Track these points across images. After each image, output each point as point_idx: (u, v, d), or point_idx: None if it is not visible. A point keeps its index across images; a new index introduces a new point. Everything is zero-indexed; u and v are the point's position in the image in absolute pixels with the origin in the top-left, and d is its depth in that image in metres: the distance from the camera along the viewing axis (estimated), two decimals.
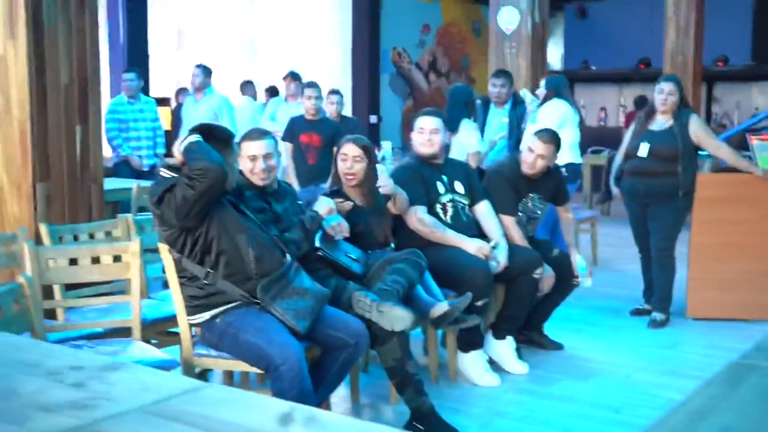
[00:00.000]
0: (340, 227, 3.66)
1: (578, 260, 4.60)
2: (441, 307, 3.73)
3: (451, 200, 4.36)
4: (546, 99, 6.02)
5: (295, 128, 6.88)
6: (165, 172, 3.13)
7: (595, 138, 11.98)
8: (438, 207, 4.32)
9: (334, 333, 3.31)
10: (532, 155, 4.51)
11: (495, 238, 4.34)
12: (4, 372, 1.82)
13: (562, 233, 5.08)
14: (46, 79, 3.82)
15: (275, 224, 3.46)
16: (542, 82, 6.31)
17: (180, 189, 2.98)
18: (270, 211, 3.51)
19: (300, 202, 3.75)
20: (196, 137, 3.10)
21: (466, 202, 4.43)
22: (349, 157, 3.95)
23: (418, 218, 4.21)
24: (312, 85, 7.01)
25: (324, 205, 3.61)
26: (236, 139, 3.43)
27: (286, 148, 6.84)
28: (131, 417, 1.57)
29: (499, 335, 4.38)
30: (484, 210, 4.46)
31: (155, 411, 1.60)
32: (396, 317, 3.39)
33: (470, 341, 4.22)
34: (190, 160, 3.03)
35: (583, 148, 10.59)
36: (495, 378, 4.19)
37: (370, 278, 3.73)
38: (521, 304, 4.38)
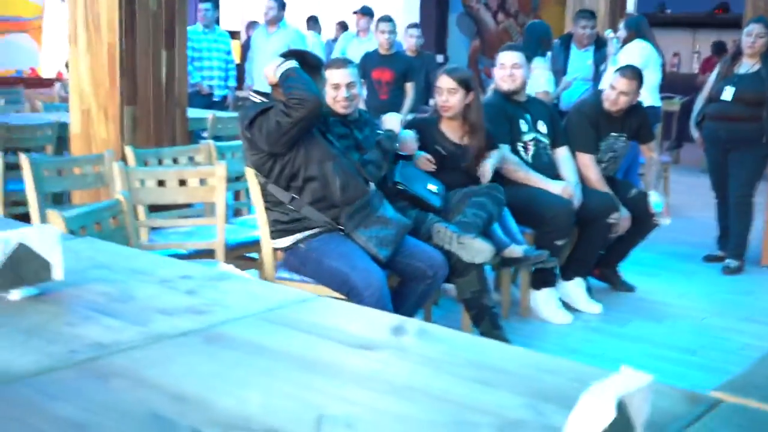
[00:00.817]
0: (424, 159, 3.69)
1: (655, 198, 4.52)
2: (516, 251, 3.73)
3: (534, 139, 4.32)
4: (627, 40, 5.88)
5: (367, 64, 6.85)
6: (255, 97, 3.16)
7: (667, 84, 11.63)
8: (519, 145, 4.28)
9: (414, 263, 3.34)
10: (614, 92, 4.45)
11: (569, 180, 4.30)
12: (119, 278, 1.88)
13: (636, 172, 4.97)
14: (135, 3, 3.85)
15: (357, 150, 3.48)
16: (621, 24, 6.15)
17: (274, 115, 3.00)
18: (352, 137, 3.52)
19: (380, 131, 3.75)
20: (293, 63, 3.11)
21: (547, 141, 4.38)
22: (443, 89, 3.91)
23: (504, 157, 4.17)
24: (387, 19, 6.96)
25: (393, 120, 3.60)
26: None
27: None
28: (248, 322, 1.62)
29: (568, 276, 4.37)
30: (563, 154, 4.41)
31: (270, 318, 1.64)
32: (477, 249, 3.40)
33: (543, 279, 4.22)
34: (288, 89, 3.04)
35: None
36: (568, 316, 4.19)
37: (451, 210, 3.74)
38: (592, 248, 4.36)
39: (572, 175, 4.35)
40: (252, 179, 3.25)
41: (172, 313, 1.65)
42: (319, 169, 3.16)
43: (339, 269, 3.09)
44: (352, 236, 3.18)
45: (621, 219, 4.35)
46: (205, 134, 5.52)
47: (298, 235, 3.23)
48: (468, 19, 13.06)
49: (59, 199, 4.54)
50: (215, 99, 7.67)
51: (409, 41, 7.49)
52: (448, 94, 3.91)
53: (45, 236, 1.75)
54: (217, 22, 7.85)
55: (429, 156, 3.80)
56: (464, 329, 3.89)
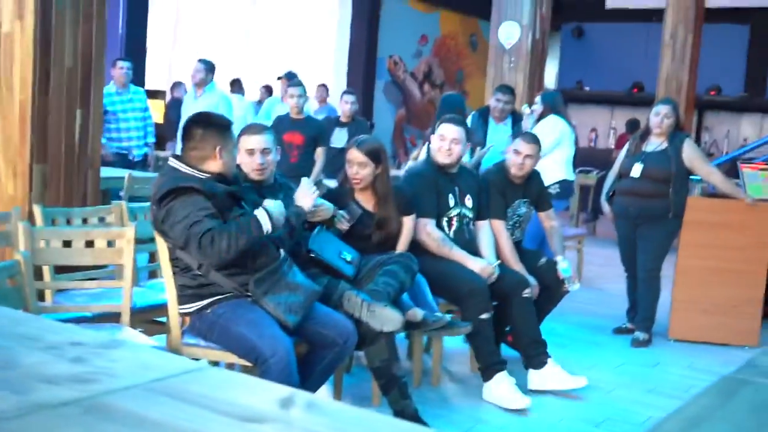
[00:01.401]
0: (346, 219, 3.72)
1: (563, 264, 4.60)
2: (416, 314, 3.73)
3: (458, 214, 4.34)
4: (542, 115, 6.06)
5: (279, 127, 6.89)
6: (174, 162, 3.18)
7: (584, 158, 12.02)
8: (444, 220, 4.31)
9: (323, 330, 3.32)
10: (520, 156, 4.53)
11: (487, 257, 4.33)
12: (4, 344, 1.82)
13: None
14: (50, 60, 3.82)
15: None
16: (537, 98, 6.35)
17: (230, 239, 3.03)
18: None
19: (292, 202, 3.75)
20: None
21: (471, 216, 4.41)
22: (354, 163, 3.96)
23: (428, 232, 4.20)
24: (296, 83, 7.02)
25: (305, 197, 3.52)
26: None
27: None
28: (133, 393, 1.58)
29: (536, 363, 4.26)
30: (484, 228, 4.46)
31: (157, 388, 1.61)
32: (386, 318, 3.41)
33: (491, 367, 4.07)
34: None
35: (573, 167, 10.77)
36: (525, 399, 3.97)
37: (362, 279, 3.75)
38: (528, 322, 4.30)
39: (491, 252, 4.38)
40: (161, 243, 3.21)
41: (55, 382, 1.60)
42: None
43: (245, 336, 3.06)
44: (260, 302, 3.16)
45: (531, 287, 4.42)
46: (121, 194, 5.44)
47: (206, 301, 3.19)
48: (394, 87, 13.31)
49: None
50: (135, 159, 7.57)
51: (344, 107, 7.58)
52: (358, 167, 3.95)
53: None
54: (139, 82, 7.77)
55: (345, 215, 3.81)
56: (375, 398, 3.88)
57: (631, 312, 5.60)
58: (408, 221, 4.11)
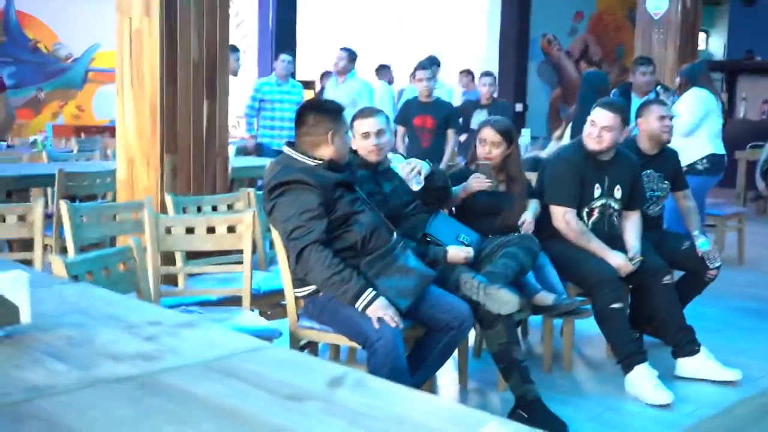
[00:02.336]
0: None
1: (700, 239, 4.30)
2: (546, 298, 3.63)
3: (602, 205, 4.14)
4: (682, 89, 5.71)
5: (408, 111, 6.86)
6: (291, 152, 3.22)
7: (756, 132, 11.30)
8: (585, 210, 4.13)
9: (438, 314, 3.28)
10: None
11: (633, 247, 4.11)
12: (89, 323, 1.91)
13: (703, 226, 4.75)
14: (176, 54, 3.98)
15: (385, 205, 3.48)
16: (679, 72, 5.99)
17: (317, 266, 3.06)
18: (380, 194, 3.53)
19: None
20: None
21: (618, 207, 4.17)
22: (487, 141, 3.94)
23: (567, 220, 4.05)
24: (423, 66, 6.95)
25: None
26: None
27: (397, 131, 6.84)
28: (189, 370, 1.62)
29: (687, 352, 4.05)
30: (632, 217, 4.23)
31: (214, 366, 1.64)
32: (503, 300, 3.32)
33: (631, 359, 3.85)
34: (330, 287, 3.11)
35: (743, 143, 10.11)
36: (667, 393, 3.73)
37: (482, 261, 3.67)
38: (673, 310, 4.07)
39: (636, 243, 4.14)
40: (274, 229, 3.27)
41: (121, 359, 1.67)
42: (341, 225, 3.15)
43: (353, 319, 3.06)
44: (372, 285, 3.15)
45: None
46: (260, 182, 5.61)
47: None
48: (549, 67, 13.00)
49: (113, 244, 4.67)
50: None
51: (482, 89, 7.51)
52: (491, 146, 3.95)
53: (14, 281, 1.80)
54: (293, 74, 8.05)
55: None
56: (500, 383, 3.80)
57: None
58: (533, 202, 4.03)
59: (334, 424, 1.35)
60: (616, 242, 4.14)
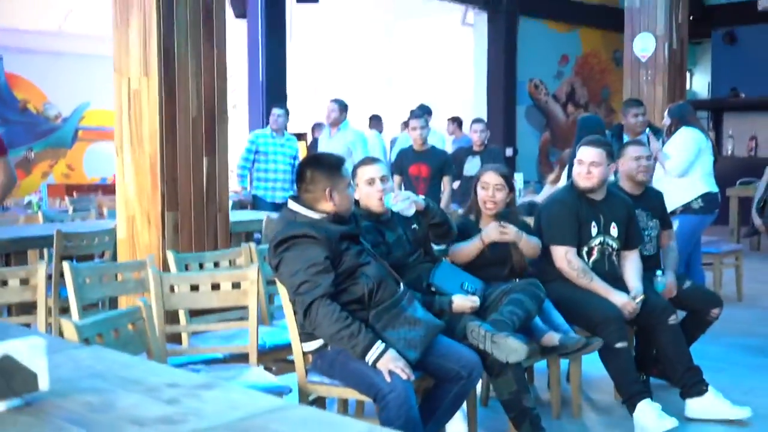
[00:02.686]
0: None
1: (660, 279, 4.28)
2: (552, 338, 3.63)
3: (600, 243, 4.15)
4: (671, 129, 5.77)
5: (404, 160, 6.90)
6: (294, 206, 3.22)
7: (744, 169, 11.40)
8: (584, 249, 4.14)
9: (446, 364, 3.26)
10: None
11: (635, 287, 4.11)
12: (108, 387, 1.89)
13: (699, 262, 4.76)
14: (175, 112, 4.00)
15: (388, 255, 3.48)
16: (666, 113, 6.06)
17: (324, 320, 3.05)
18: (384, 244, 3.54)
19: (414, 226, 3.73)
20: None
21: (616, 246, 4.18)
22: (490, 185, 3.94)
23: (568, 260, 4.06)
24: (417, 115, 7.01)
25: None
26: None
27: (393, 180, 6.86)
28: None
29: (695, 392, 4.04)
30: (631, 257, 4.23)
31: (240, 427, 1.62)
32: (510, 348, 3.31)
33: (634, 396, 3.87)
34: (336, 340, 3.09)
35: (732, 179, 10.21)
36: (670, 420, 3.77)
37: (487, 308, 3.66)
38: (679, 350, 4.07)
39: (638, 283, 4.14)
40: (280, 284, 3.26)
41: (145, 424, 1.65)
42: (348, 279, 3.14)
43: (364, 372, 3.04)
44: (380, 337, 3.14)
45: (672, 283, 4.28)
46: (257, 236, 5.61)
47: None
48: (537, 111, 13.12)
49: (113, 305, 4.64)
50: (279, 201, 7.82)
51: (473, 136, 7.57)
52: (495, 190, 3.95)
53: (31, 347, 1.78)
54: (285, 127, 8.10)
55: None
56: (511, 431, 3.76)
57: None
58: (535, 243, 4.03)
59: None
60: (618, 283, 4.14)
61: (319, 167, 3.23)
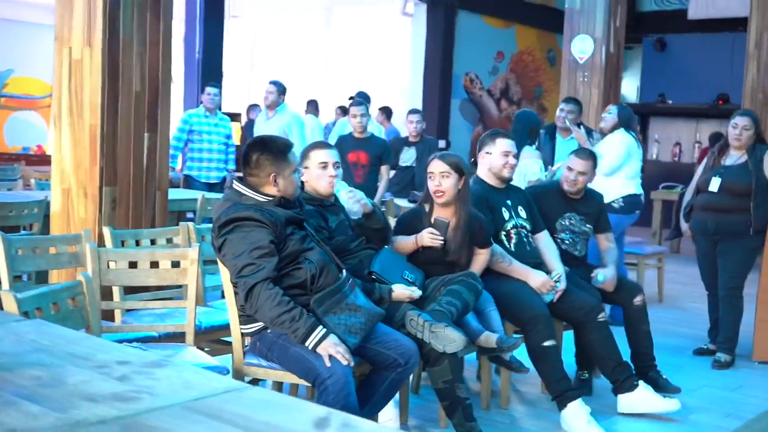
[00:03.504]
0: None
1: (600, 274, 4.44)
2: (489, 339, 3.68)
3: (515, 226, 4.28)
4: (614, 128, 5.90)
5: (343, 147, 6.88)
6: (239, 187, 3.19)
7: (668, 173, 11.75)
8: (503, 234, 4.24)
9: (384, 351, 3.29)
10: (572, 173, 4.53)
11: (555, 269, 4.24)
12: (55, 362, 1.86)
13: (621, 264, 4.87)
14: (118, 85, 3.92)
15: (330, 240, 3.48)
16: (611, 108, 6.17)
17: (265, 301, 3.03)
18: (326, 229, 3.54)
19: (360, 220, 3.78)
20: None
21: (529, 227, 4.35)
22: (436, 174, 3.90)
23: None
24: (357, 102, 7.03)
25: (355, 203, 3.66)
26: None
27: None
28: (171, 411, 1.59)
29: (626, 387, 4.14)
30: (543, 239, 4.39)
31: (195, 407, 1.61)
32: (449, 339, 3.35)
33: (564, 394, 3.92)
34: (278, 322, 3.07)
35: (656, 183, 10.50)
36: (599, 430, 3.79)
37: (426, 298, 3.70)
38: (609, 347, 4.17)
39: (557, 262, 4.29)
40: (222, 265, 3.24)
41: (97, 400, 1.62)
42: (290, 263, 3.14)
43: (303, 356, 3.04)
44: (321, 323, 3.14)
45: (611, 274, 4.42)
46: (189, 215, 5.54)
47: None
48: (471, 105, 13.25)
49: (44, 278, 4.52)
50: (213, 181, 7.74)
51: (409, 127, 7.60)
52: (441, 178, 3.88)
53: None
54: (219, 107, 7.99)
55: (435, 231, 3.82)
56: (441, 420, 3.82)
57: (712, 332, 5.39)
58: (485, 253, 4.05)
59: None
60: (541, 268, 4.25)
61: (265, 152, 3.21)
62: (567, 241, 4.56)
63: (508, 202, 4.32)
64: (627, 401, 4.12)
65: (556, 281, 4.14)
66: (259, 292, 3.01)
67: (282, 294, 3.04)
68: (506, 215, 4.27)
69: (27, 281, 4.71)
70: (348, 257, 3.59)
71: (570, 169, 4.55)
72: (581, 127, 6.33)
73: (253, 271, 3.01)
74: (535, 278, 4.11)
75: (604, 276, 4.43)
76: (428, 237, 3.84)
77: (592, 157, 4.60)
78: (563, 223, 4.57)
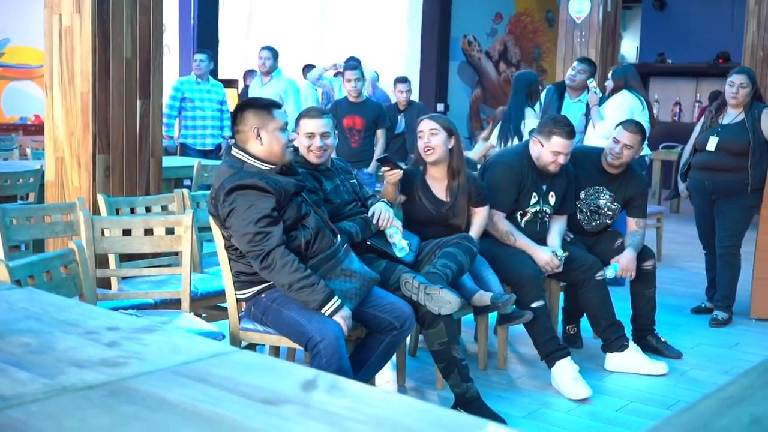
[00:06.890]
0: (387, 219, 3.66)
1: (613, 263, 4.35)
2: (483, 298, 3.70)
3: (537, 211, 4.24)
4: (613, 91, 5.87)
5: (338, 112, 6.85)
6: (238, 153, 3.17)
7: (668, 133, 11.71)
8: (518, 213, 4.23)
9: (380, 314, 3.30)
10: (618, 145, 4.32)
11: (554, 245, 4.21)
12: (44, 329, 1.86)
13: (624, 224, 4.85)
14: (109, 52, 3.89)
15: (325, 203, 3.47)
16: (609, 74, 6.16)
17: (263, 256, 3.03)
18: (320, 190, 3.52)
19: (353, 181, 3.75)
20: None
21: (550, 212, 4.29)
22: (425, 132, 3.89)
23: (494, 222, 4.14)
24: (352, 67, 6.98)
25: (384, 214, 3.62)
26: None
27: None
28: (159, 376, 1.59)
29: (616, 347, 4.17)
30: (559, 219, 4.34)
31: (183, 371, 1.61)
32: (443, 301, 3.36)
33: (552, 354, 3.94)
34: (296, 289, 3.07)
35: (656, 143, 10.46)
36: (586, 388, 3.81)
37: (421, 261, 3.71)
38: (604, 306, 4.18)
39: (558, 242, 4.25)
40: (216, 231, 3.24)
41: (85, 366, 1.63)
42: (290, 230, 3.13)
43: (296, 320, 3.06)
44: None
45: (624, 261, 4.30)
46: (186, 182, 5.53)
47: (260, 286, 3.19)
48: (469, 68, 13.16)
49: (41, 248, 4.54)
50: (208, 148, 7.72)
51: (398, 96, 7.57)
52: (429, 135, 3.87)
53: None
54: (212, 73, 7.94)
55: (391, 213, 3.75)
56: (438, 382, 3.85)
57: (710, 291, 5.41)
58: (481, 211, 4.04)
59: (315, 427, 1.35)
60: (545, 243, 4.25)
61: (248, 107, 3.19)
62: (585, 212, 4.50)
63: (544, 186, 4.22)
64: (616, 360, 4.16)
65: (560, 258, 4.12)
66: (275, 258, 3.00)
67: (298, 261, 3.04)
68: (533, 200, 4.21)
69: (24, 251, 4.73)
70: (342, 221, 3.58)
71: (616, 141, 4.34)
72: (598, 92, 6.26)
73: (265, 238, 3.00)
74: (540, 255, 4.11)
75: (616, 268, 4.33)
76: (387, 176, 3.82)
77: (640, 130, 4.39)
78: (589, 192, 4.47)
